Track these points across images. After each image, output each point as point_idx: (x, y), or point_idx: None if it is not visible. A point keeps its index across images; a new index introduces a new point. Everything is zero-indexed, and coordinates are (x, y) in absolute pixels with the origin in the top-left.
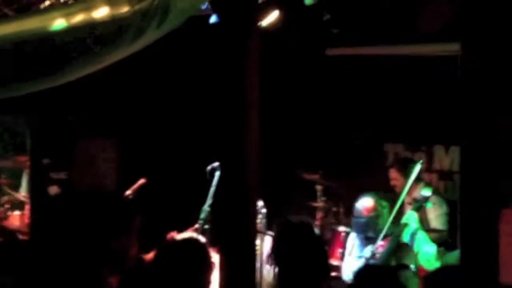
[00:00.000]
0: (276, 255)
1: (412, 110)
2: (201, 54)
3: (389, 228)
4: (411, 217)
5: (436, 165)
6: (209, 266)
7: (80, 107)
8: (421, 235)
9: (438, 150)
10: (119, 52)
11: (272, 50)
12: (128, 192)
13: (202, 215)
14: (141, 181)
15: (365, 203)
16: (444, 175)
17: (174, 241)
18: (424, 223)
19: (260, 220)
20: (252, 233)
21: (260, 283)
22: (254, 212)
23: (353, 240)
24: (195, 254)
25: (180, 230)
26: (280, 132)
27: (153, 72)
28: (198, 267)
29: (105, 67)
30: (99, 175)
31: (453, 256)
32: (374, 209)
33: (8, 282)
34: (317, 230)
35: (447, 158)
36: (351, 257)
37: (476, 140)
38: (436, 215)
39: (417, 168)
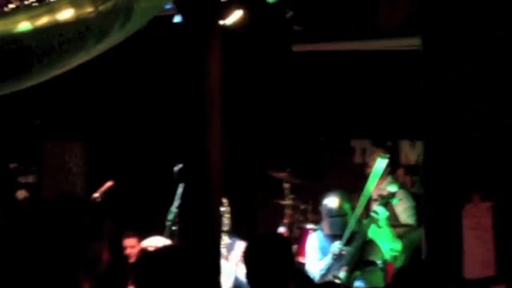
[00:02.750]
0: (247, 261)
1: (377, 105)
2: (165, 55)
3: (355, 224)
4: (379, 213)
5: (403, 160)
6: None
7: (47, 110)
8: (387, 231)
9: (404, 145)
10: (83, 54)
11: (237, 49)
12: (96, 195)
13: (170, 216)
14: (109, 183)
15: (331, 202)
16: (411, 169)
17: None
18: (391, 217)
19: (225, 218)
20: (216, 232)
21: None
22: (218, 210)
23: (315, 239)
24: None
25: (146, 232)
26: (247, 130)
27: (118, 74)
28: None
29: (70, 70)
30: (67, 178)
31: (417, 234)
32: (340, 207)
33: None
34: (285, 228)
35: (413, 153)
36: (315, 257)
37: (439, 136)
38: (403, 209)
39: (384, 162)
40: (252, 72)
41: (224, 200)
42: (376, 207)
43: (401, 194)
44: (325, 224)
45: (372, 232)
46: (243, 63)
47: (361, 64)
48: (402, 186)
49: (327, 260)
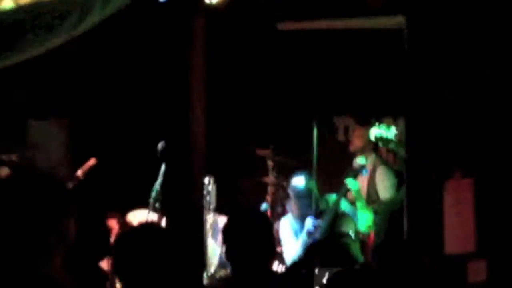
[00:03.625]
0: (226, 237)
1: (360, 83)
2: (150, 34)
3: (324, 199)
4: (350, 185)
5: None
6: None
7: (30, 88)
8: (360, 203)
9: (387, 122)
10: (64, 34)
11: (222, 27)
12: (78, 172)
13: (153, 194)
14: (91, 161)
15: (298, 182)
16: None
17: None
18: (373, 194)
19: (211, 196)
20: (199, 208)
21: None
22: (201, 188)
23: (287, 224)
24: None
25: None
26: (231, 108)
27: (101, 51)
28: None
29: (55, 47)
30: (51, 156)
31: (393, 204)
32: (307, 187)
33: None
34: (267, 206)
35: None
36: (291, 242)
37: (421, 113)
38: (384, 186)
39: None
40: (236, 50)
41: (210, 178)
42: (346, 179)
43: (383, 171)
44: (294, 205)
45: (344, 205)
46: (227, 41)
47: (344, 42)
48: (384, 162)
49: (303, 238)
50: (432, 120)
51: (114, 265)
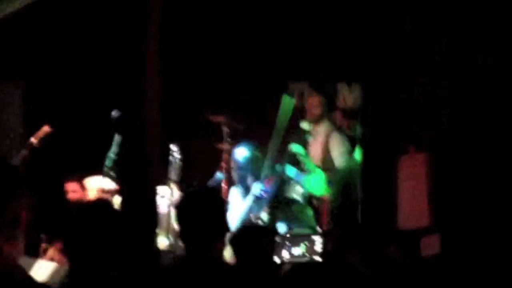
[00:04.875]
0: (178, 218)
1: (315, 47)
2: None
3: (269, 166)
4: (295, 150)
5: (340, 103)
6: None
7: None
8: (308, 166)
9: (342, 88)
10: None
11: None
12: (32, 140)
13: (108, 162)
14: (45, 128)
15: (240, 153)
16: (348, 113)
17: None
18: (328, 162)
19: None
20: (152, 177)
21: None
22: (156, 155)
23: (236, 192)
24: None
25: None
26: (185, 75)
27: (56, 16)
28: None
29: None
30: (5, 122)
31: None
32: (249, 155)
33: None
34: (222, 174)
35: (351, 96)
36: (236, 207)
37: (376, 81)
38: (339, 153)
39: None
40: (189, 17)
41: (175, 148)
42: (291, 144)
43: (337, 138)
44: (235, 176)
45: (290, 171)
46: (182, 8)
47: (297, 5)
48: (338, 129)
49: (248, 202)
50: (388, 91)
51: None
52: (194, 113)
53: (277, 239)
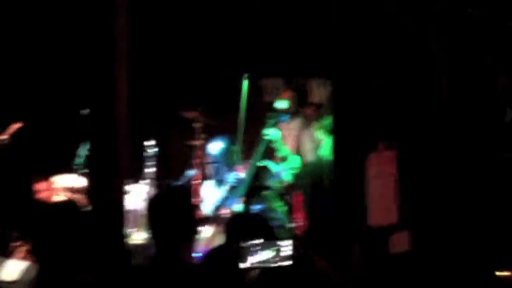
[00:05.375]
0: (150, 216)
1: (287, 43)
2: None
3: (239, 153)
4: (270, 135)
5: (313, 99)
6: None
7: None
8: (283, 152)
9: (313, 83)
10: None
11: None
12: (3, 137)
13: (78, 160)
14: (16, 124)
15: (215, 146)
16: (319, 108)
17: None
18: (300, 155)
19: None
20: (121, 174)
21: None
22: (126, 151)
23: (209, 189)
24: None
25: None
26: (157, 70)
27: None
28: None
29: None
30: None
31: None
32: (223, 148)
33: None
34: (195, 171)
35: (322, 92)
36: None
37: (347, 77)
38: (310, 148)
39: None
40: (160, 12)
41: (152, 143)
42: (265, 130)
43: (308, 133)
44: (210, 170)
45: (272, 166)
46: (150, 3)
47: (270, 1)
48: (310, 125)
49: (223, 191)
50: (359, 88)
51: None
52: (167, 110)
53: (245, 244)
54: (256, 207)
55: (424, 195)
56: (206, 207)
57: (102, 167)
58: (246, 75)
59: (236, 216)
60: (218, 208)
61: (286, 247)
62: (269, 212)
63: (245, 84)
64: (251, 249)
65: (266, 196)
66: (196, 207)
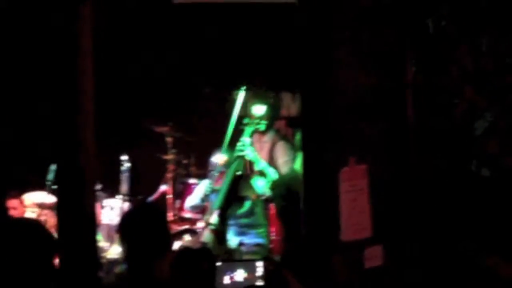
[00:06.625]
0: (122, 233)
1: (259, 57)
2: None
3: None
4: (244, 145)
5: (284, 112)
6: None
7: None
8: (257, 161)
9: (286, 97)
10: None
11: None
12: None
13: (50, 176)
14: None
15: (217, 159)
16: (292, 121)
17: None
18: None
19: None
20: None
21: None
22: (91, 165)
23: (202, 186)
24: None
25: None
26: (126, 84)
27: None
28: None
29: None
30: None
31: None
32: (226, 163)
33: None
34: (167, 184)
35: (294, 105)
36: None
37: (315, 92)
38: (283, 162)
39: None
40: (131, 25)
41: (125, 157)
42: (241, 139)
43: (282, 146)
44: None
45: (241, 167)
46: (121, 14)
47: (241, 16)
48: (283, 138)
49: (197, 199)
50: (328, 101)
51: None
52: (139, 124)
53: (218, 263)
54: (242, 221)
55: (397, 208)
56: (191, 201)
57: (69, 183)
58: (243, 87)
59: (182, 250)
60: (192, 207)
61: (258, 267)
62: (251, 227)
63: (239, 95)
64: (223, 268)
65: (252, 209)
66: (169, 222)
